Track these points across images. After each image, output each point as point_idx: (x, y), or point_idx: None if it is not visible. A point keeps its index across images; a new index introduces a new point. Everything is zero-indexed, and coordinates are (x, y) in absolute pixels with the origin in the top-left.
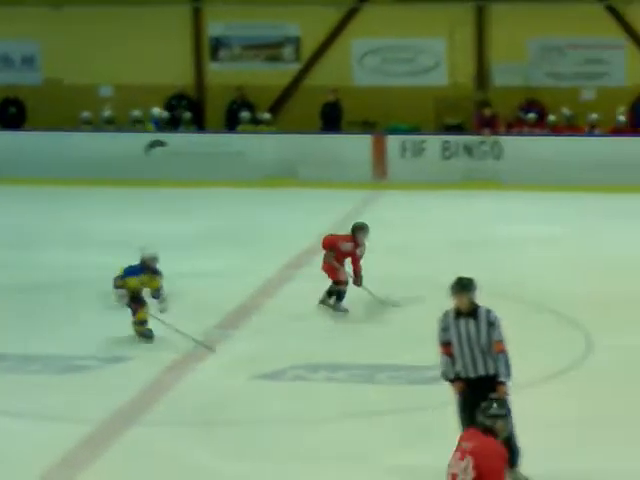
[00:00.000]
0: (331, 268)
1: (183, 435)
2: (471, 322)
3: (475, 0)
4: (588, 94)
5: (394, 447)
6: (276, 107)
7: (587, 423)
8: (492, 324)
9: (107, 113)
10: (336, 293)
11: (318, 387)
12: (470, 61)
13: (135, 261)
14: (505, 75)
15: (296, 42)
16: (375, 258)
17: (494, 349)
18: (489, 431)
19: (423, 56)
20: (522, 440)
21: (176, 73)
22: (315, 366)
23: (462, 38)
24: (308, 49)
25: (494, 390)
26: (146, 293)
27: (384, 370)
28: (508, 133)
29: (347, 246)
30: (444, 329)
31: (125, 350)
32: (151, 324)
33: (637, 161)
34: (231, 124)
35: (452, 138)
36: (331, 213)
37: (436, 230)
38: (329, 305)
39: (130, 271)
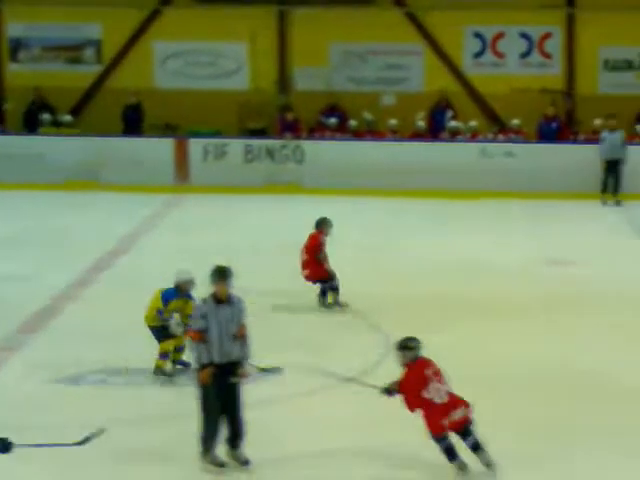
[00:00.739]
0: (318, 270)
1: None
2: (227, 309)
3: (277, 4)
4: (388, 99)
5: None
6: (77, 109)
7: (385, 424)
8: (242, 311)
9: None
10: (332, 289)
11: (117, 391)
12: (272, 65)
13: None
14: (307, 80)
15: (97, 44)
16: (173, 260)
17: (239, 334)
18: None
19: (225, 60)
20: (323, 443)
21: None
22: (114, 370)
23: (264, 42)
24: (110, 51)
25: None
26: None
27: (184, 372)
28: (310, 137)
29: (324, 239)
30: (203, 316)
31: None
32: None
33: (436, 166)
34: (30, 126)
35: (254, 142)
36: (133, 216)
37: (237, 233)
38: (329, 305)
39: (168, 296)
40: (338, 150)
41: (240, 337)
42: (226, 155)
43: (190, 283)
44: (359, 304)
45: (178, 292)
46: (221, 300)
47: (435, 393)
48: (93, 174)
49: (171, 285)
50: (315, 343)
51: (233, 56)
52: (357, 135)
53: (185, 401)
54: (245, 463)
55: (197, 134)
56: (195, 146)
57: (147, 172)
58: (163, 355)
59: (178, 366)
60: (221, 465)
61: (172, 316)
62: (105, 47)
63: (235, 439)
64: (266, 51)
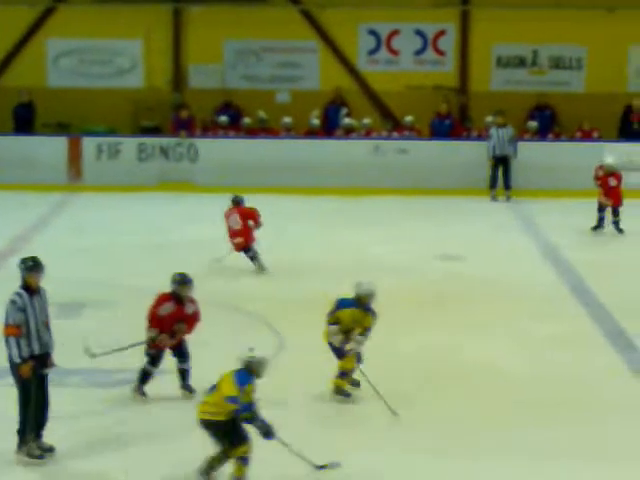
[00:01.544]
0: (250, 237)
1: None
2: (39, 299)
3: (172, 2)
4: (283, 97)
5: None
6: None
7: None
8: (47, 301)
9: None
10: (255, 254)
11: (2, 392)
12: (167, 63)
13: None
14: (201, 77)
15: None
16: (66, 260)
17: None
18: None
19: (120, 58)
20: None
21: None
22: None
23: (159, 40)
24: (1, 49)
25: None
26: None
27: (76, 374)
28: (204, 135)
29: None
30: (21, 309)
31: None
32: None
33: (330, 163)
34: None
35: (148, 140)
36: (26, 215)
37: (129, 232)
38: (262, 269)
39: (344, 303)
40: (231, 148)
41: (47, 325)
42: (120, 154)
43: (372, 296)
44: (250, 305)
45: (358, 303)
46: (34, 291)
47: None
48: None
49: None
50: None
51: (128, 54)
52: (251, 133)
53: (75, 403)
54: (51, 450)
55: (90, 132)
56: (88, 144)
57: (40, 171)
58: (343, 374)
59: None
60: (40, 457)
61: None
62: None
63: (42, 428)
64: (161, 49)
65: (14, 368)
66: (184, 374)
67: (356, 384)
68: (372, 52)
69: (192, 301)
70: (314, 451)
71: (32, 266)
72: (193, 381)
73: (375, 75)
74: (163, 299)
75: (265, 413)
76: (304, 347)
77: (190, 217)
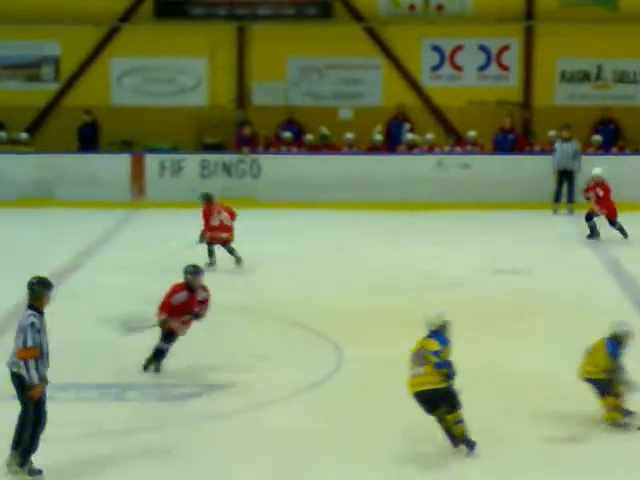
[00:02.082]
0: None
1: None
2: (44, 320)
3: (236, 20)
4: (346, 113)
5: (146, 465)
6: (34, 127)
7: (335, 435)
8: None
9: None
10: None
11: (67, 407)
12: (231, 81)
13: None
14: (264, 94)
15: (55, 61)
16: (128, 276)
17: None
18: None
19: (183, 76)
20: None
21: None
22: (64, 385)
23: (222, 58)
24: (68, 69)
25: None
26: None
27: (135, 388)
28: (266, 152)
29: None
30: (39, 330)
31: None
32: None
33: (392, 178)
34: None
35: (211, 157)
36: (90, 232)
37: (192, 248)
38: (239, 261)
39: (614, 350)
40: (293, 164)
41: None
42: (183, 170)
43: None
44: (311, 316)
45: (621, 344)
46: (42, 311)
47: None
48: (48, 191)
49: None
50: (266, 355)
51: (191, 72)
52: (313, 149)
53: (135, 418)
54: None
55: (154, 150)
56: (152, 162)
57: (103, 188)
58: (614, 408)
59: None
60: (39, 473)
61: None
62: (63, 65)
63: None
64: (224, 67)
65: (26, 389)
66: (159, 354)
67: (629, 413)
68: (435, 68)
69: (204, 288)
70: None
71: (45, 286)
72: (260, 394)
73: (438, 91)
74: (177, 289)
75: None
76: (363, 360)
77: (252, 232)
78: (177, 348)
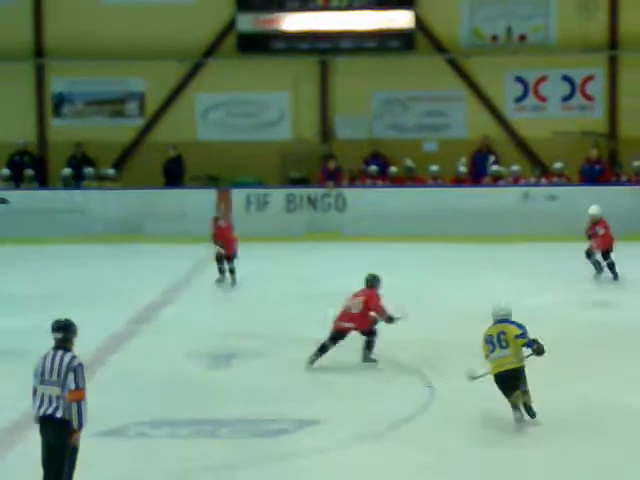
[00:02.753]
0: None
1: None
2: None
3: (318, 54)
4: (430, 146)
5: None
6: (120, 163)
7: (431, 470)
8: None
9: None
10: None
11: (160, 443)
12: (314, 114)
13: None
14: (348, 128)
15: (140, 97)
16: (216, 311)
17: None
18: None
19: (267, 110)
20: None
21: (19, 130)
22: (158, 422)
23: (306, 92)
24: (152, 104)
25: None
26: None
27: (228, 424)
28: (351, 185)
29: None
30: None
31: None
32: None
33: (478, 211)
34: (73, 180)
35: (296, 191)
36: (176, 267)
37: (278, 283)
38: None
39: None
40: (379, 197)
41: None
42: (268, 205)
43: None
44: (403, 350)
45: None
46: None
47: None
48: (136, 227)
49: None
50: (357, 390)
51: (275, 106)
52: (397, 182)
53: (228, 454)
54: None
55: (239, 184)
56: (237, 196)
57: (190, 223)
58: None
59: None
60: None
61: None
62: (148, 100)
63: None
64: (308, 101)
65: (69, 434)
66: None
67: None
68: (519, 99)
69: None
70: None
71: (76, 329)
72: (350, 429)
73: (522, 122)
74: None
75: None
76: (457, 395)
77: (338, 267)
78: (267, 383)
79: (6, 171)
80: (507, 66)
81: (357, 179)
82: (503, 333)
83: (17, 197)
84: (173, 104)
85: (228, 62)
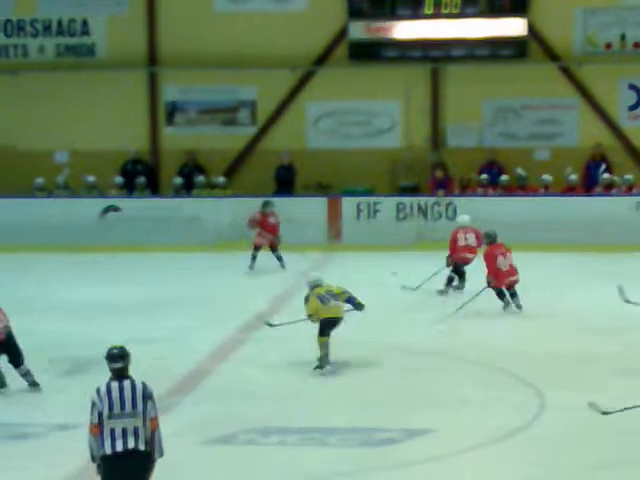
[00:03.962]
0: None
1: None
2: None
3: (430, 63)
4: (542, 154)
5: None
6: (231, 171)
7: None
8: None
9: (62, 179)
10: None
11: (270, 451)
12: (425, 123)
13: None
14: (459, 136)
15: (252, 106)
16: None
17: None
18: None
19: (378, 118)
20: None
21: (132, 138)
22: (267, 430)
23: (417, 100)
24: (264, 112)
25: None
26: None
27: (336, 433)
28: (462, 194)
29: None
30: None
31: (75, 417)
32: None
33: (590, 220)
34: (184, 189)
35: (407, 200)
36: (286, 275)
37: (388, 292)
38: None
39: None
40: (489, 206)
41: None
42: (378, 213)
43: None
44: (513, 360)
45: None
46: None
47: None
48: (247, 235)
49: None
50: (466, 400)
51: (386, 114)
52: (508, 190)
53: (340, 463)
54: None
55: (349, 193)
56: (348, 205)
57: (300, 231)
58: None
59: None
60: None
61: None
62: (259, 109)
63: None
64: (419, 108)
65: (152, 463)
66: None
67: None
68: (633, 107)
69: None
70: None
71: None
72: (458, 440)
73: (636, 130)
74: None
75: None
76: (565, 406)
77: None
78: (372, 392)
79: (119, 179)
80: (621, 73)
81: (468, 187)
82: None
83: (129, 205)
84: (284, 112)
85: (339, 70)
